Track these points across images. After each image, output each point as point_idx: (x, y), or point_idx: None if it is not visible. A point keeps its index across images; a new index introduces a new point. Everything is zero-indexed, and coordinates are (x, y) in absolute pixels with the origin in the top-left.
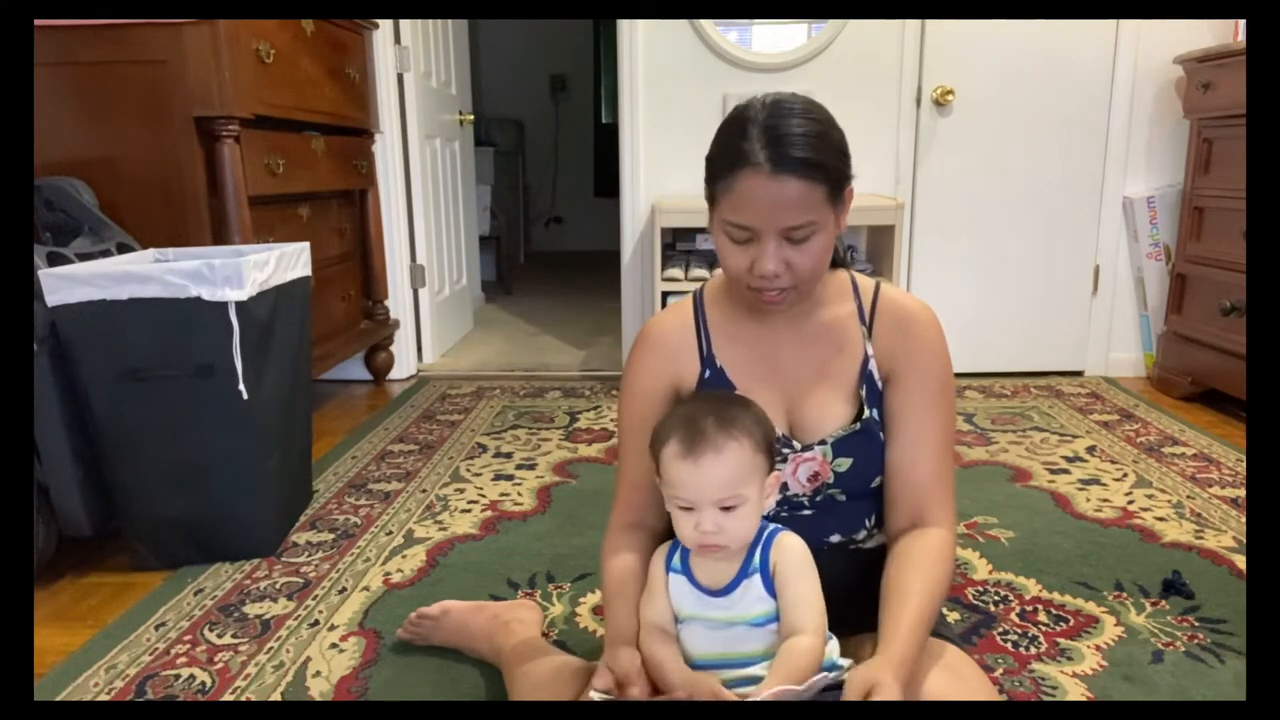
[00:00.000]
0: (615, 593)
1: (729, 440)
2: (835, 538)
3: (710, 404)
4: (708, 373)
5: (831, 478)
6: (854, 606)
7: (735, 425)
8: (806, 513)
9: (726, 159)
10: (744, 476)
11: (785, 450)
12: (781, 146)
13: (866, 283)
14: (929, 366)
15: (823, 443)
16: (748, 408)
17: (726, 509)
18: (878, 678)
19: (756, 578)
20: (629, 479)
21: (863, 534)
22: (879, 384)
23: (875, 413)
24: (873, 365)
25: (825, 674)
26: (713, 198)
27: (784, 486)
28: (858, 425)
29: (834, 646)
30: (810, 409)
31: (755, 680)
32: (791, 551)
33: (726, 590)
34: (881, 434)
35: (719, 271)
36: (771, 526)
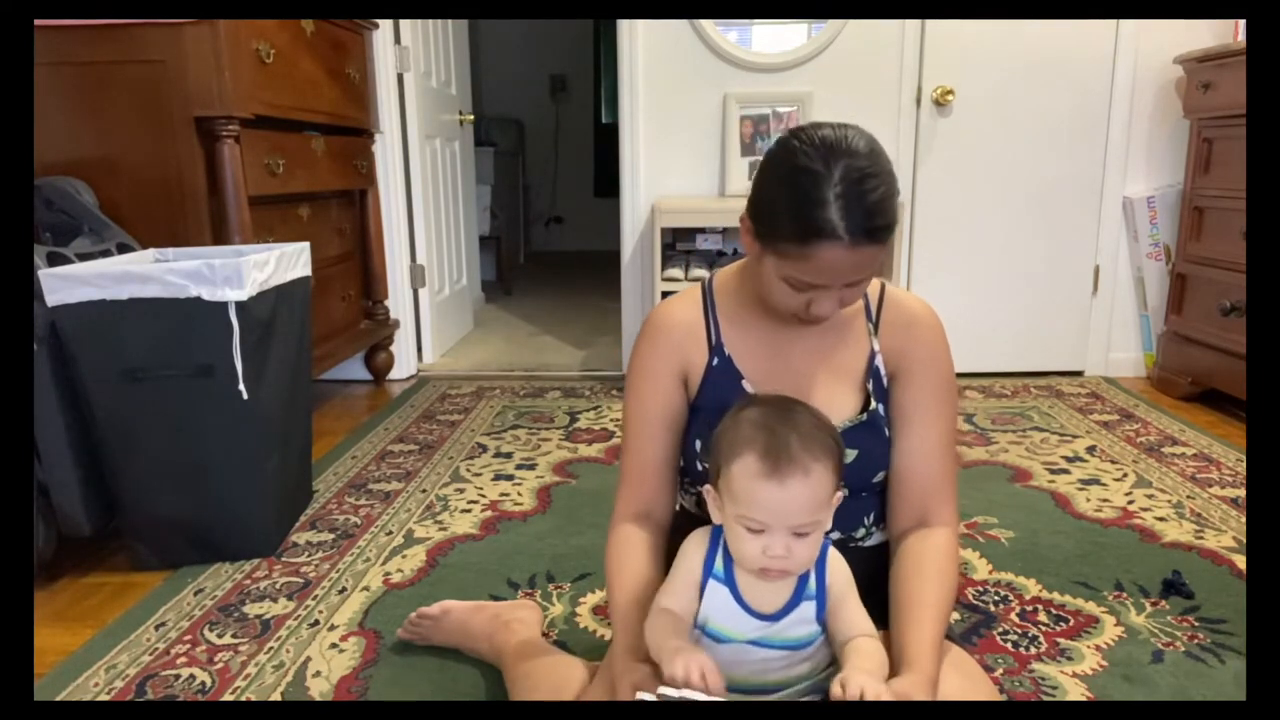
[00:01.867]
0: (633, 602)
1: (815, 463)
2: (835, 535)
3: (785, 415)
4: (715, 360)
5: None
6: None
7: (819, 445)
8: None
9: (802, 224)
10: (825, 500)
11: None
12: (861, 218)
13: (872, 282)
14: (933, 367)
15: None
16: (817, 418)
17: (799, 534)
18: (915, 696)
19: (811, 604)
20: (635, 468)
21: (861, 531)
22: (885, 381)
23: (882, 407)
24: (879, 361)
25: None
26: (773, 248)
27: None
28: (864, 417)
29: None
30: (817, 400)
31: (772, 687)
32: (839, 569)
33: (779, 616)
34: (887, 429)
35: (732, 264)
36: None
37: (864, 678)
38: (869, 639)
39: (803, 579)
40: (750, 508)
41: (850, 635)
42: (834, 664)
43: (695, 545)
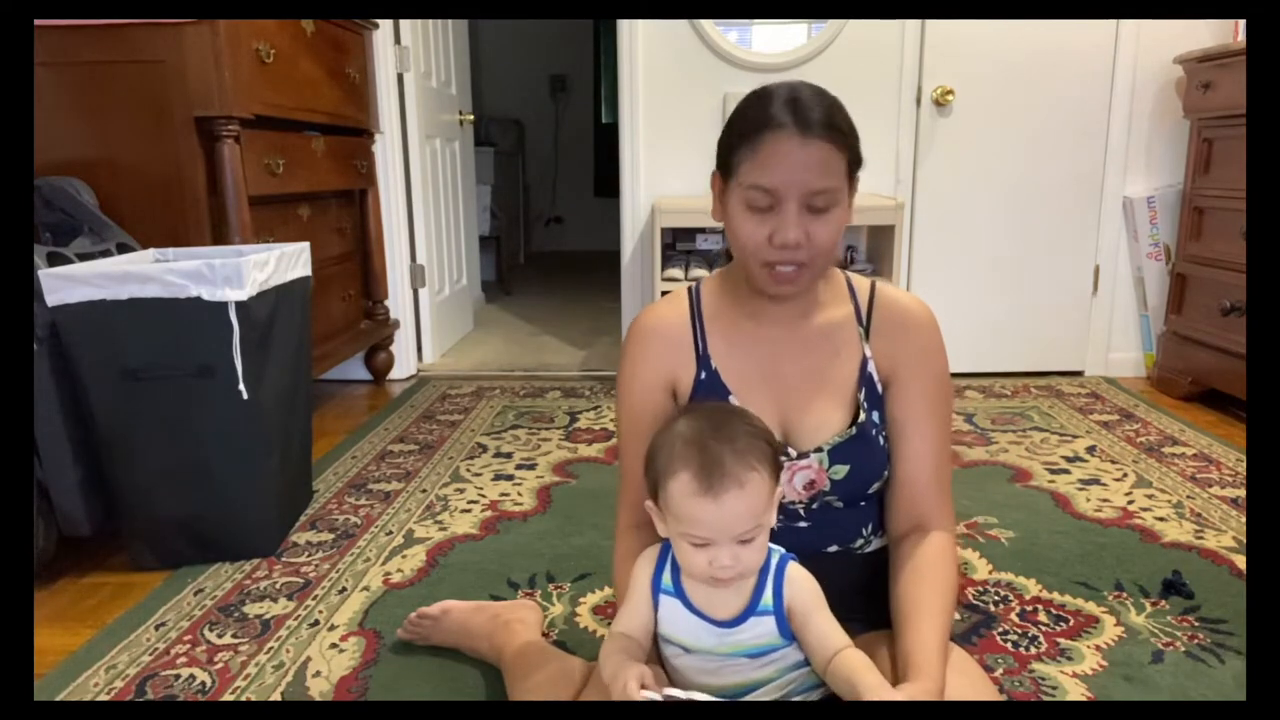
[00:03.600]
0: None
1: (750, 472)
2: (833, 548)
3: (717, 427)
4: (703, 374)
5: (828, 485)
6: (855, 605)
7: (752, 453)
8: (802, 524)
9: (750, 124)
10: (764, 505)
11: (781, 459)
12: (806, 112)
13: (862, 283)
14: (929, 369)
15: (819, 450)
16: (753, 425)
17: (744, 541)
18: (920, 692)
19: (770, 620)
20: (632, 479)
21: (859, 541)
22: (879, 386)
23: (875, 415)
24: (872, 367)
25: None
26: (730, 168)
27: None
28: (854, 430)
29: None
30: (807, 417)
31: (740, 690)
32: (803, 586)
33: (733, 623)
34: (881, 438)
35: (718, 271)
36: (779, 555)
37: (897, 693)
38: (852, 651)
39: (757, 593)
40: (691, 525)
41: (829, 651)
42: (807, 663)
43: (644, 563)
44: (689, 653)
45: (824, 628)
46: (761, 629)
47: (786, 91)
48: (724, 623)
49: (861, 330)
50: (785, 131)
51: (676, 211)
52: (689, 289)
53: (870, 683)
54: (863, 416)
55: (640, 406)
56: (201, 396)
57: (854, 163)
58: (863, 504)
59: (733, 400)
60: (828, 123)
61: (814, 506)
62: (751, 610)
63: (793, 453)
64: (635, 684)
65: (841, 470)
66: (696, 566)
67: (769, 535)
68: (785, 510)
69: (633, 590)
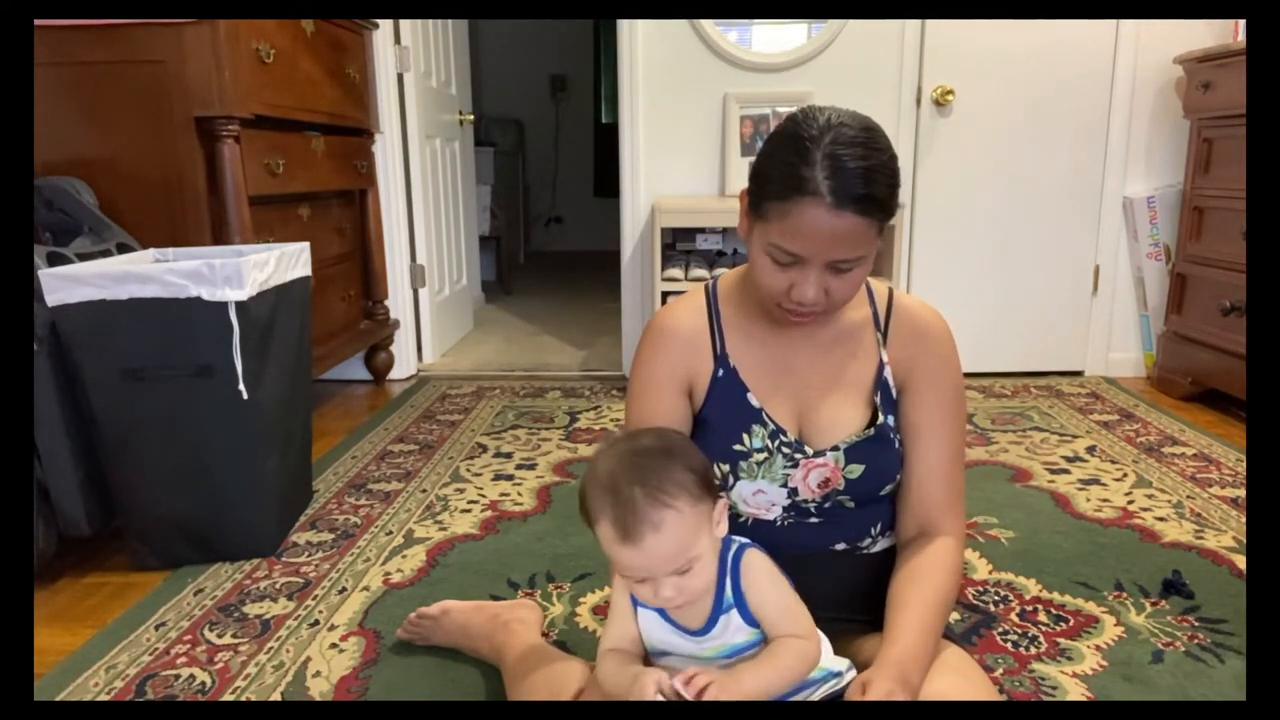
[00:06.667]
0: None
1: (664, 510)
2: (840, 545)
3: (633, 465)
4: (720, 372)
5: (842, 484)
6: (859, 605)
7: (665, 488)
8: (814, 520)
9: (785, 182)
10: (691, 538)
11: (797, 455)
12: (844, 179)
13: (880, 288)
14: (944, 380)
15: (835, 449)
16: (672, 454)
17: (681, 572)
18: (870, 679)
19: (734, 613)
20: None
21: (867, 541)
22: (894, 392)
23: (890, 419)
24: (888, 372)
25: (827, 682)
26: (759, 211)
27: (794, 492)
28: (871, 431)
29: (828, 652)
30: (823, 414)
31: None
32: (758, 572)
33: (704, 630)
34: (896, 441)
35: (736, 270)
36: (735, 547)
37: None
38: (792, 640)
39: (718, 592)
40: (622, 569)
41: (779, 632)
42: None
43: (622, 584)
44: (672, 656)
45: (779, 612)
46: (732, 625)
47: (830, 142)
48: (697, 631)
49: (879, 335)
50: (819, 202)
51: (676, 211)
52: (706, 287)
53: (740, 668)
54: (881, 419)
55: (652, 409)
56: (201, 396)
57: (888, 218)
58: (873, 504)
59: (750, 398)
60: (865, 195)
61: (826, 505)
62: (718, 611)
63: (809, 450)
64: (652, 688)
65: (857, 470)
66: (644, 597)
67: (715, 554)
68: (798, 508)
69: (616, 607)
